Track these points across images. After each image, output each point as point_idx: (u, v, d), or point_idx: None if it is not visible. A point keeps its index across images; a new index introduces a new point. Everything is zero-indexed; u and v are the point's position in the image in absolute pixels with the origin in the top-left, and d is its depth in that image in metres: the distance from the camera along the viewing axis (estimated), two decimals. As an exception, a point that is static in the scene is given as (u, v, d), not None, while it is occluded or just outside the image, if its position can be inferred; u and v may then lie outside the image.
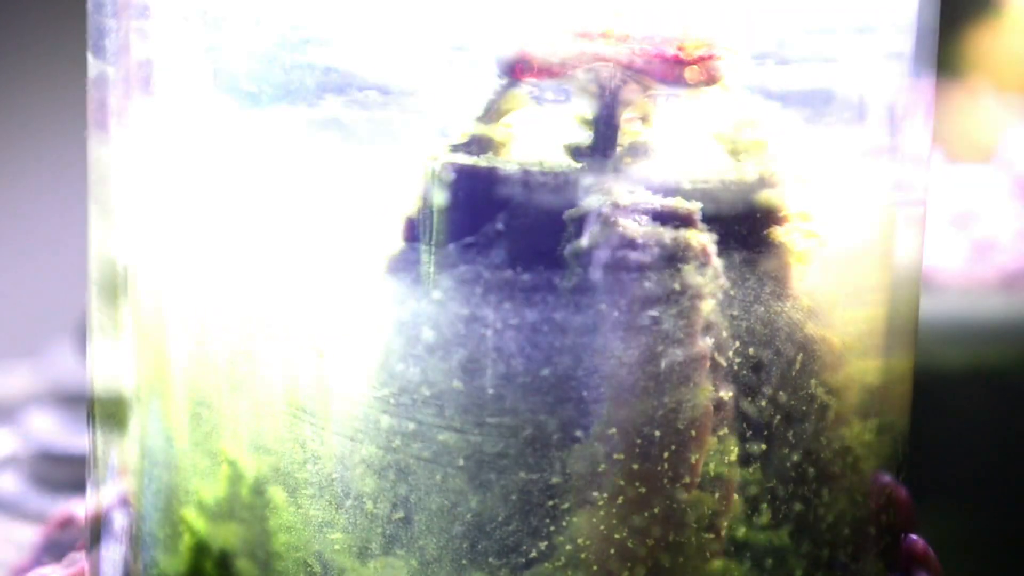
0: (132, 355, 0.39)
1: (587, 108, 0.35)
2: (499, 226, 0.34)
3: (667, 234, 0.34)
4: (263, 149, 0.35)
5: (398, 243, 0.34)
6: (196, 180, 0.36)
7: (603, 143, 0.35)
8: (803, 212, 0.37)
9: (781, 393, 0.36)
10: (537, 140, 0.35)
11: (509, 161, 0.34)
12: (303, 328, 0.35)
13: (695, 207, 0.35)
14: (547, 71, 0.35)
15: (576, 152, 0.34)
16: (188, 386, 0.36)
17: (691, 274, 0.35)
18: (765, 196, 0.36)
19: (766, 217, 0.36)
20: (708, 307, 0.35)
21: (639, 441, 0.34)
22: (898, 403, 0.40)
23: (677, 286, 0.34)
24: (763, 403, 0.36)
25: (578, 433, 0.34)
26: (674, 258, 0.34)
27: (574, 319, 0.34)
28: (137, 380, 0.39)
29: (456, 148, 0.34)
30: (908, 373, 0.41)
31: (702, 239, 0.35)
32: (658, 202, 0.35)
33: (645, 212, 0.34)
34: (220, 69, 0.35)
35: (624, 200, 0.34)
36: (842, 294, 0.38)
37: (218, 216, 0.35)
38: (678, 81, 0.35)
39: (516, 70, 0.35)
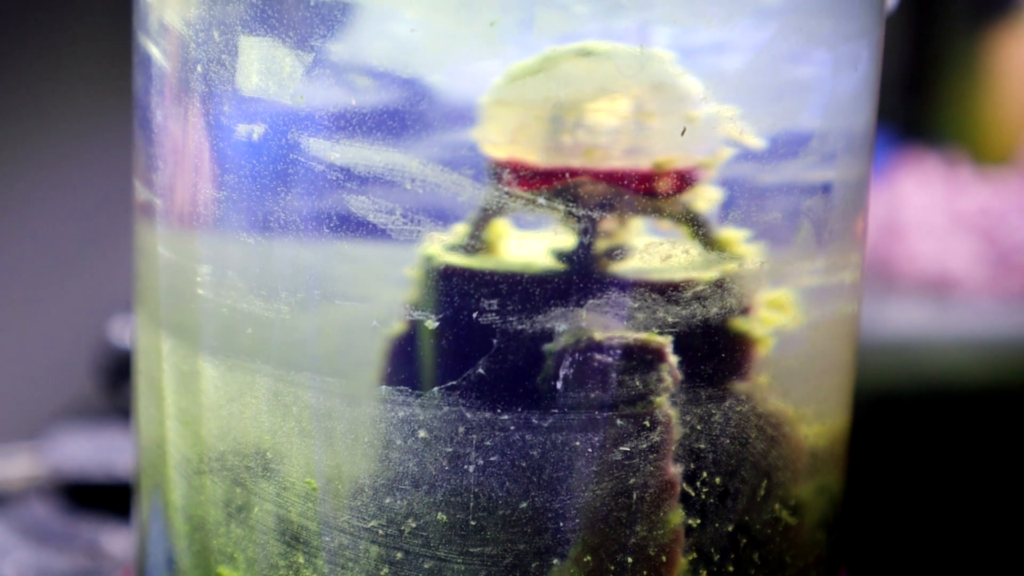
0: (137, 475, 0.42)
1: (565, 228, 0.36)
2: (480, 371, 0.36)
3: (639, 371, 0.37)
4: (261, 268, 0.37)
5: (386, 388, 0.36)
6: (186, 288, 0.38)
7: (580, 262, 0.37)
8: (767, 336, 0.39)
9: (747, 518, 0.38)
10: (519, 254, 0.37)
11: (499, 263, 0.36)
12: (296, 463, 0.37)
13: (666, 340, 0.37)
14: (531, 182, 0.37)
15: (556, 266, 0.36)
16: (186, 513, 0.39)
17: (663, 408, 0.37)
18: (734, 325, 0.38)
19: (734, 350, 0.38)
20: (677, 439, 0.37)
21: (613, 567, 0.37)
22: (839, 463, 0.42)
23: (647, 422, 0.37)
24: (730, 527, 0.38)
25: (555, 561, 0.37)
26: (647, 395, 0.37)
27: (550, 455, 0.36)
28: (142, 500, 0.42)
29: (451, 248, 0.36)
30: (848, 433, 0.43)
31: (674, 373, 0.37)
32: (631, 336, 0.37)
33: (619, 347, 0.36)
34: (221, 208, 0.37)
35: (598, 335, 0.36)
36: (803, 383, 0.40)
37: (209, 349, 0.38)
38: (653, 193, 0.37)
39: (502, 177, 0.37)
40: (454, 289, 0.36)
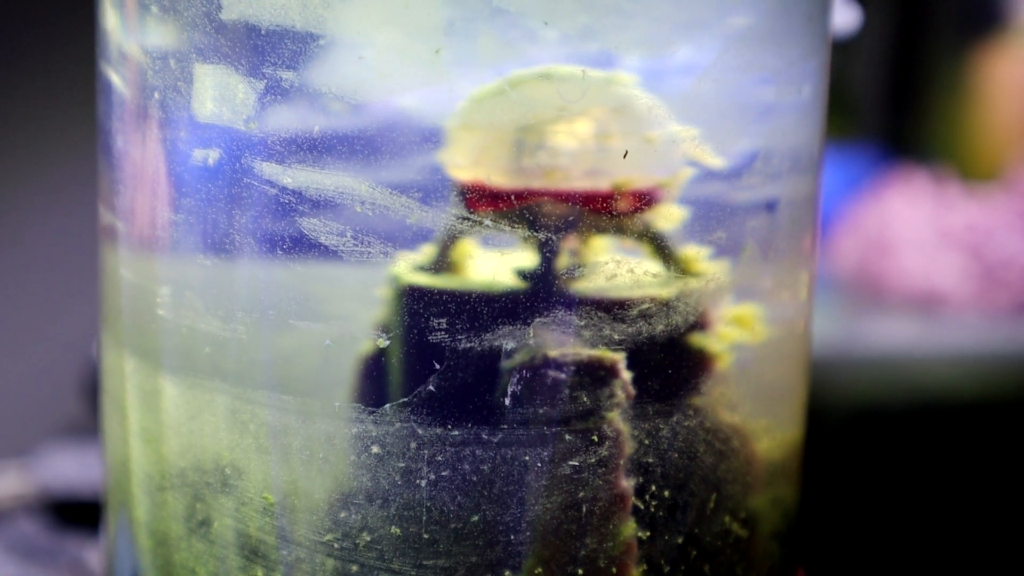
0: (105, 493, 0.43)
1: (527, 247, 0.37)
2: (431, 388, 0.37)
3: (591, 387, 0.37)
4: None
5: (340, 405, 0.37)
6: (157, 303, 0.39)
7: (540, 284, 0.37)
8: (722, 352, 0.39)
9: (697, 530, 0.39)
10: (482, 273, 0.38)
11: (459, 282, 0.37)
12: (254, 479, 0.38)
13: (619, 357, 0.38)
14: (495, 203, 0.37)
15: (517, 285, 0.37)
16: (150, 528, 0.40)
17: (613, 424, 0.38)
18: (689, 341, 0.39)
19: (687, 366, 0.39)
20: (627, 454, 0.38)
21: (563, 579, 0.38)
22: (792, 475, 0.43)
23: (596, 437, 0.38)
24: (680, 540, 0.39)
25: (507, 573, 0.37)
26: (597, 410, 0.38)
27: (501, 470, 0.37)
28: (110, 517, 0.43)
29: (416, 269, 0.37)
30: (801, 445, 0.44)
31: (627, 389, 0.38)
32: (584, 353, 0.38)
33: (571, 363, 0.37)
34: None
35: (549, 352, 0.37)
36: (755, 397, 0.41)
37: (177, 367, 0.39)
38: (613, 212, 0.38)
39: (469, 200, 0.37)
40: (405, 308, 0.37)
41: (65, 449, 0.72)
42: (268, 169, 0.37)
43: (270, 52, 0.36)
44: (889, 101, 1.08)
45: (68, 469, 0.70)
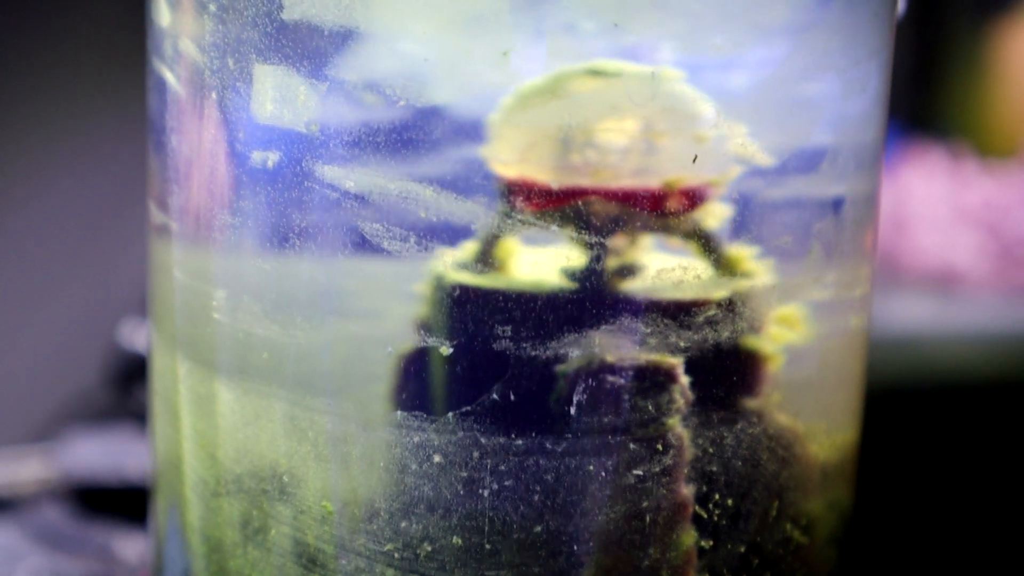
0: (154, 492, 0.43)
1: (576, 244, 0.37)
2: (494, 396, 0.36)
3: (652, 393, 0.37)
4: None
5: (401, 413, 0.37)
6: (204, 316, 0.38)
7: (591, 283, 0.37)
8: (778, 353, 0.39)
9: (759, 539, 0.38)
10: (530, 273, 0.37)
11: (510, 282, 0.37)
12: (313, 487, 0.37)
13: (678, 361, 0.37)
14: (541, 201, 0.37)
15: (569, 283, 0.37)
16: (204, 534, 0.40)
17: (675, 430, 0.37)
18: (745, 343, 0.38)
19: (744, 369, 0.38)
20: (689, 461, 0.37)
21: (626, 589, 0.37)
22: (848, 477, 0.43)
23: (660, 446, 0.37)
24: (742, 548, 0.38)
25: (569, 583, 0.37)
26: (659, 417, 0.37)
27: (564, 479, 0.37)
28: (159, 517, 0.42)
29: (462, 267, 0.37)
30: (857, 446, 0.43)
31: (686, 394, 0.37)
32: (643, 358, 0.37)
33: (631, 369, 0.37)
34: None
35: (610, 358, 0.37)
36: (814, 399, 0.40)
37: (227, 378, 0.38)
38: (662, 211, 0.37)
39: (512, 197, 0.37)
40: (467, 315, 0.36)
41: (90, 435, 0.71)
42: (330, 172, 0.36)
43: (332, 53, 0.36)
44: (906, 78, 1.07)
45: (93, 456, 0.69)
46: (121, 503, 0.67)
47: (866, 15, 0.40)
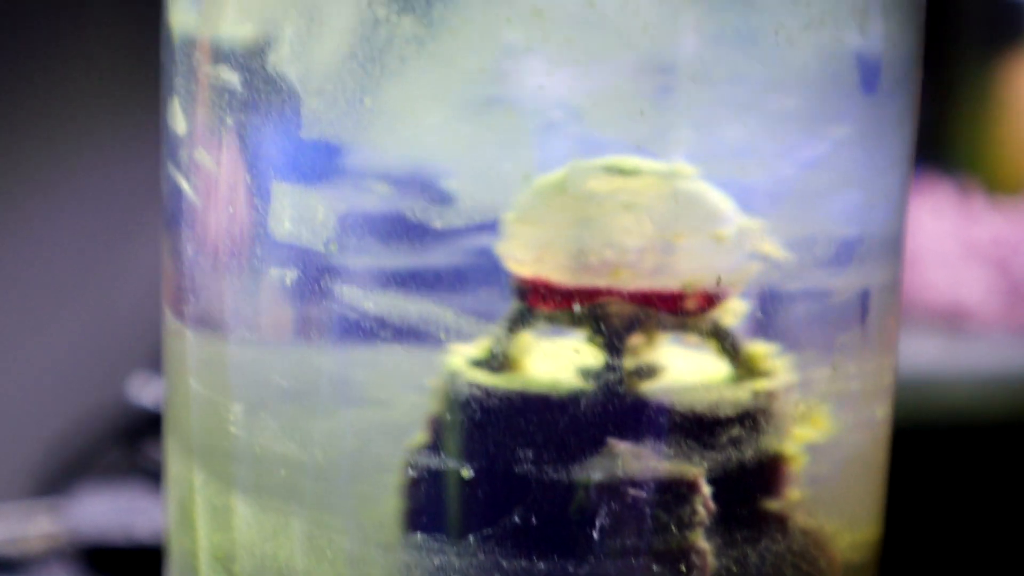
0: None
1: (593, 343, 0.36)
2: (516, 519, 0.36)
3: (675, 507, 0.37)
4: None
5: (421, 535, 0.36)
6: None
7: (609, 384, 0.37)
8: (800, 453, 0.39)
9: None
10: (545, 375, 0.37)
11: (527, 383, 0.36)
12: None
13: (699, 470, 0.37)
14: (558, 301, 0.36)
15: (586, 384, 0.36)
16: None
17: (697, 543, 0.37)
18: (767, 445, 0.38)
19: (766, 471, 0.38)
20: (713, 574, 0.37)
21: None
22: (871, 572, 0.42)
23: (683, 567, 0.37)
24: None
25: None
26: (681, 530, 0.37)
27: (587, 601, 0.36)
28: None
29: (475, 364, 0.36)
30: (880, 542, 0.43)
31: (708, 505, 0.37)
32: (665, 470, 0.37)
33: (654, 483, 0.36)
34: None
35: (633, 474, 0.36)
36: (837, 495, 0.40)
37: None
38: (681, 311, 0.37)
39: (528, 296, 0.36)
40: (487, 437, 0.36)
41: (98, 493, 0.71)
42: (348, 292, 0.36)
43: (353, 174, 0.35)
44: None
45: (101, 513, 0.69)
46: (130, 563, 0.66)
47: (894, 111, 0.39)
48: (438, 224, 0.35)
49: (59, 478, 0.76)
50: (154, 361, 0.55)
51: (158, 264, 0.41)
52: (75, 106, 0.85)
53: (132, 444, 0.74)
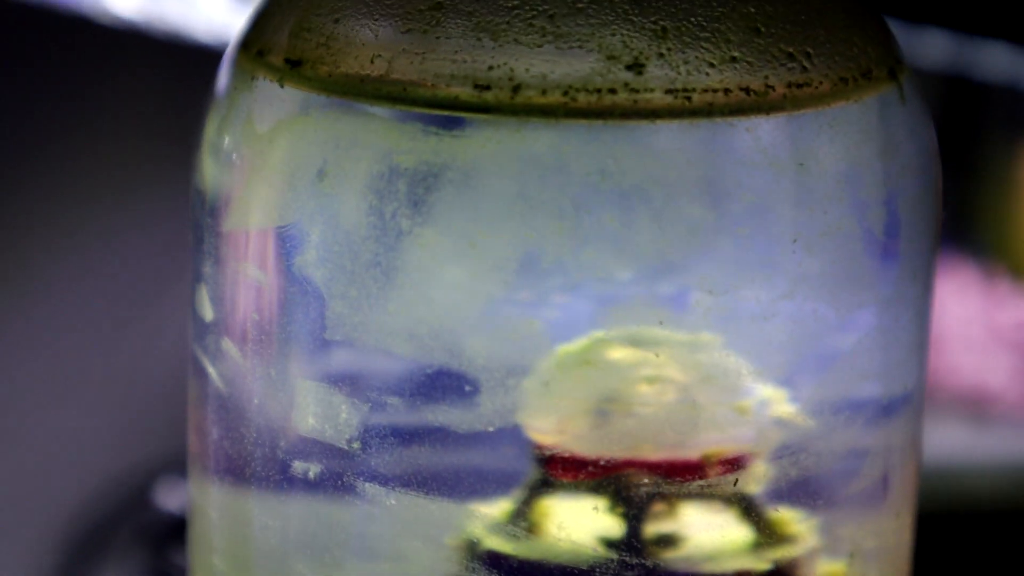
0: None
1: (614, 513, 0.37)
2: None
3: None
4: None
5: None
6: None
7: (630, 553, 0.37)
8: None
9: None
10: (567, 540, 0.37)
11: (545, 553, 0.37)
12: None
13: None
14: (578, 471, 0.37)
15: (607, 553, 0.37)
16: None
17: None
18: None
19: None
20: None
21: None
22: None
23: None
24: None
25: None
26: None
27: None
28: None
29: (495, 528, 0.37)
30: None
31: None
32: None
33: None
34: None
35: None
36: None
37: None
38: (702, 481, 0.37)
39: (549, 466, 0.37)
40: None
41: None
42: (371, 490, 0.36)
43: (374, 376, 0.36)
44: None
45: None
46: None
47: (910, 269, 0.40)
48: (461, 428, 0.36)
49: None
50: (180, 464, 0.56)
51: (186, 354, 0.41)
52: (102, 179, 0.86)
53: (157, 549, 0.75)
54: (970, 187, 1.07)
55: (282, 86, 0.37)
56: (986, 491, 0.95)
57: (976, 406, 1.02)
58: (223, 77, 0.40)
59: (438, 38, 0.35)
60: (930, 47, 0.92)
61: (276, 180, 0.37)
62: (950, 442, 1.01)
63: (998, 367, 1.02)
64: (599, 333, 0.36)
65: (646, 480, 0.36)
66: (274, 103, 0.37)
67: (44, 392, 0.85)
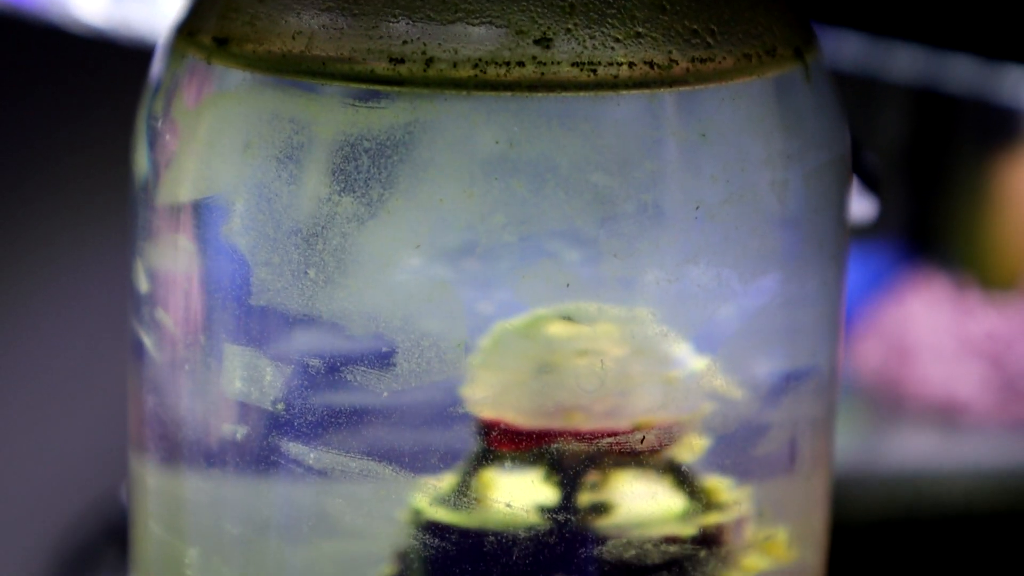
0: None
1: (550, 482, 0.38)
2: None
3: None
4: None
5: None
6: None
7: (565, 521, 0.38)
8: None
9: None
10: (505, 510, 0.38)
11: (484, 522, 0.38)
12: None
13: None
14: (517, 442, 0.38)
15: (541, 519, 0.38)
16: None
17: None
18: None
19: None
20: None
21: None
22: None
23: None
24: None
25: None
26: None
27: None
28: None
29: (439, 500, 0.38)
30: None
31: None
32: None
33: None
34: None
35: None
36: None
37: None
38: (635, 450, 0.39)
39: (488, 436, 0.38)
40: (449, 572, 0.37)
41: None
42: (295, 449, 0.38)
43: (297, 338, 0.37)
44: (911, 206, 1.09)
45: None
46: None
47: (815, 238, 0.41)
48: (380, 390, 0.37)
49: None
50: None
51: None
52: (79, 210, 0.88)
53: (124, 547, 0.75)
54: (940, 199, 1.09)
55: (209, 63, 0.39)
56: (957, 497, 0.96)
57: (947, 415, 1.03)
58: (158, 61, 0.41)
59: (355, 15, 0.37)
60: (901, 60, 0.94)
61: (204, 153, 0.38)
62: (922, 449, 1.02)
63: (968, 377, 1.03)
64: (538, 310, 0.37)
65: (580, 449, 0.38)
66: (202, 80, 0.39)
67: (41, 402, 0.87)
